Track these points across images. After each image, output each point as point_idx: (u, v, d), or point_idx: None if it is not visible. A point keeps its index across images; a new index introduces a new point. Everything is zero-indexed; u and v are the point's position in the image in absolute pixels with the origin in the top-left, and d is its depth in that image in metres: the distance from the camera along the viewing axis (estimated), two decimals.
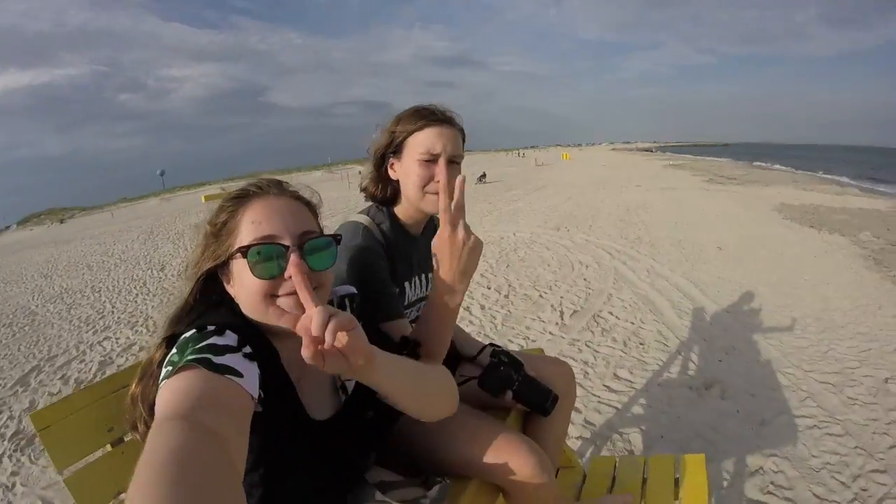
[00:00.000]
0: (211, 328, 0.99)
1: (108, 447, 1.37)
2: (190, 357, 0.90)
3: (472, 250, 1.33)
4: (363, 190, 1.83)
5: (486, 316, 5.82)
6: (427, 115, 1.65)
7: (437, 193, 1.60)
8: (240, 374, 0.91)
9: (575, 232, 10.43)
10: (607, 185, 21.40)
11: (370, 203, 1.82)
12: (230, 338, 0.99)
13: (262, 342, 1.07)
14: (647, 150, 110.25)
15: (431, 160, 1.62)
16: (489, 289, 6.92)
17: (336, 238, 1.16)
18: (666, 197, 15.87)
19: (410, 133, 1.65)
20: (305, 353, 0.84)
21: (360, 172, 1.91)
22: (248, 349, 0.99)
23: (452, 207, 1.32)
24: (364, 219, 1.72)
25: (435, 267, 1.35)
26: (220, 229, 1.12)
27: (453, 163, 1.65)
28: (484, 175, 28.25)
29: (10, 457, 4.14)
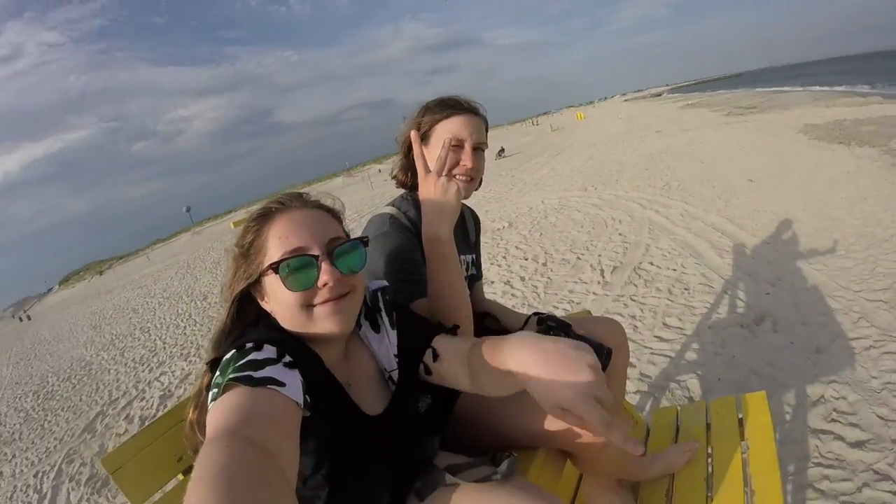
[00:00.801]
0: (249, 345, 1.01)
1: (181, 476, 1.42)
2: (231, 376, 0.91)
3: (446, 186, 1.43)
4: (394, 178, 1.89)
5: (527, 287, 5.83)
6: (454, 105, 1.71)
7: (461, 178, 1.68)
8: (282, 384, 0.92)
9: (602, 189, 10.32)
10: (626, 136, 21.10)
11: (397, 196, 1.86)
12: (269, 351, 1.00)
13: (303, 351, 1.09)
14: (657, 95, 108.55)
15: (458, 146, 1.67)
16: (526, 259, 6.92)
17: (363, 240, 1.18)
18: (688, 138, 15.58)
19: (438, 121, 1.70)
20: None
21: (379, 171, 1.94)
22: (288, 359, 1.01)
23: (438, 166, 1.44)
24: (390, 209, 1.75)
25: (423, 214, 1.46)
26: (248, 249, 1.14)
27: (478, 150, 1.72)
28: (502, 150, 28.30)
29: (87, 500, 4.36)
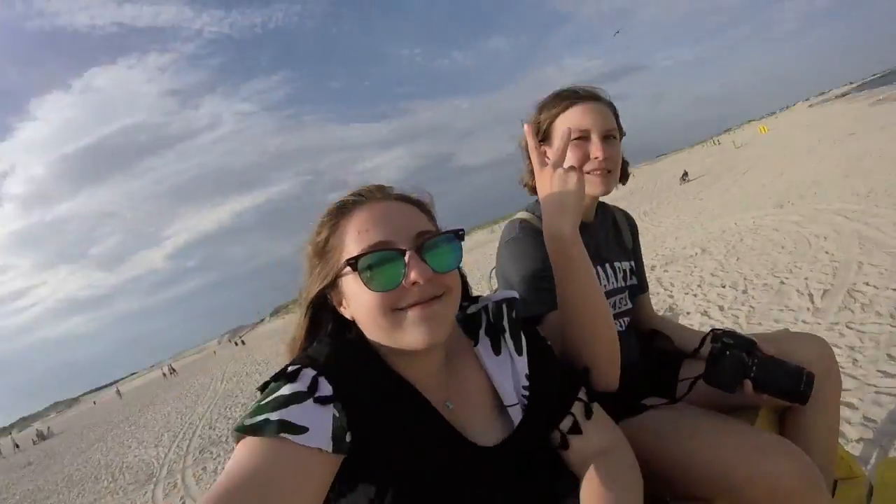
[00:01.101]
0: (293, 368, 0.89)
1: None
2: (247, 423, 0.82)
3: (564, 177, 1.21)
4: (525, 185, 1.75)
5: (727, 317, 5.44)
6: (569, 96, 1.59)
7: (596, 172, 1.54)
8: (301, 430, 0.81)
9: (800, 204, 9.55)
10: (818, 144, 19.55)
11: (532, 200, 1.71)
12: (303, 381, 0.87)
13: (376, 369, 0.97)
14: (842, 95, 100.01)
15: (583, 138, 1.54)
16: (724, 287, 6.51)
17: (458, 233, 1.01)
18: (886, 136, 14.07)
19: (556, 116, 1.59)
20: None
21: None
22: (323, 392, 0.86)
23: (555, 157, 1.25)
24: (523, 214, 1.64)
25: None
26: (323, 247, 1.00)
27: (609, 137, 1.56)
28: (686, 174, 28.07)
29: None
